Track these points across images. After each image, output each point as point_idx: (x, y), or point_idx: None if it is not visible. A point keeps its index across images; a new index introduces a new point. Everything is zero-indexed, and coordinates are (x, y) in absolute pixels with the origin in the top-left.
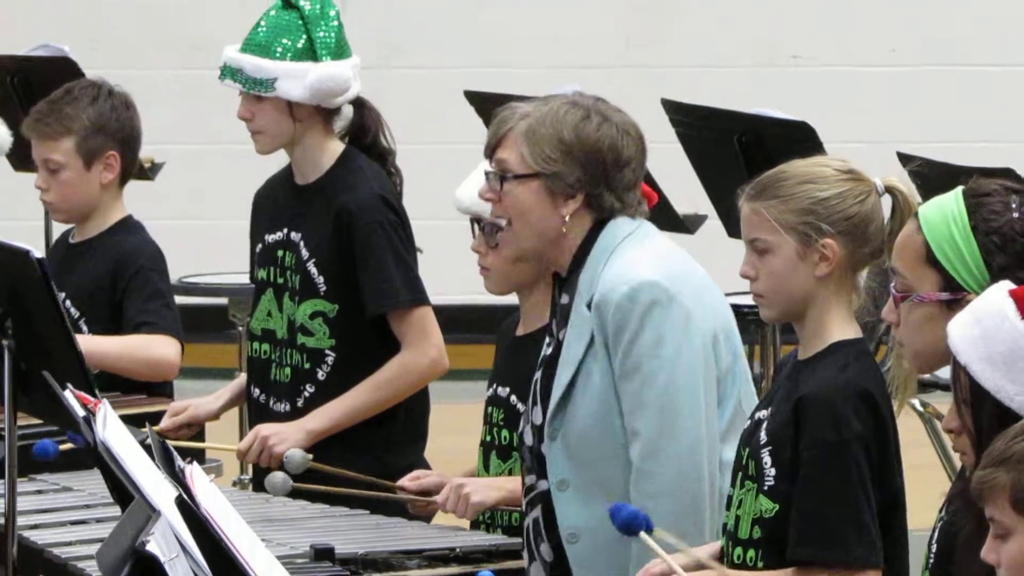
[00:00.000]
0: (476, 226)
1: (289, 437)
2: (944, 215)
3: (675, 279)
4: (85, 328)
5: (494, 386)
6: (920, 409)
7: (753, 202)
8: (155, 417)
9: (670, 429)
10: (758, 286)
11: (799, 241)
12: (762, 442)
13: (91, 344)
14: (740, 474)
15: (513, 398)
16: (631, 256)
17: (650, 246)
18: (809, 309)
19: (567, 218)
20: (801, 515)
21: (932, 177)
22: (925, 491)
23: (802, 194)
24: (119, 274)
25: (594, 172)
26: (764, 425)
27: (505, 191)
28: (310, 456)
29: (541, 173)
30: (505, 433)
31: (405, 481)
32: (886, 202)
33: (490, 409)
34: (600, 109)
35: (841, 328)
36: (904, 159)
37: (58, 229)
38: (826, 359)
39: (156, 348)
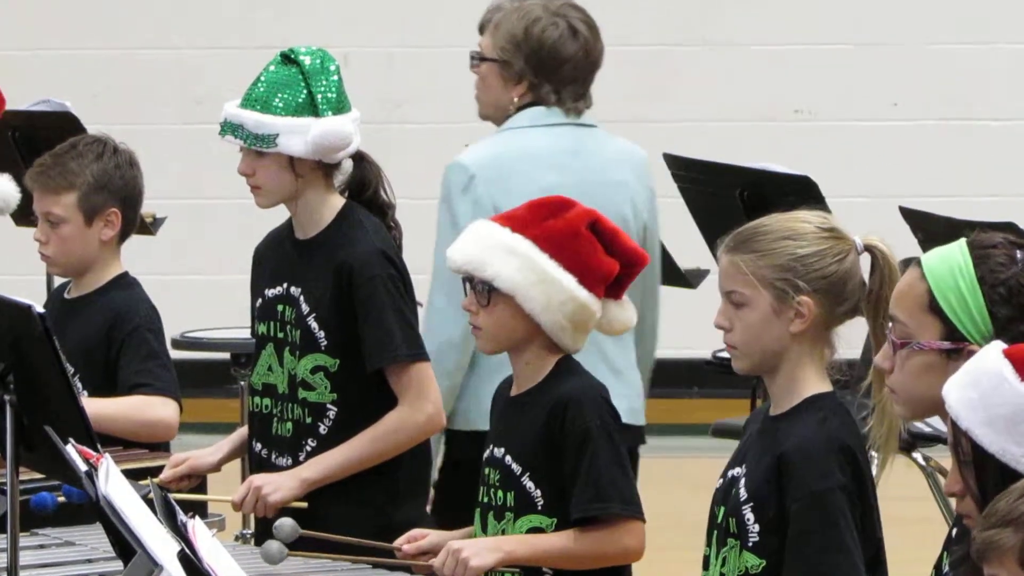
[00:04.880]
0: (467, 285)
1: (283, 486)
2: (949, 265)
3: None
4: (79, 385)
5: (491, 447)
6: (923, 464)
7: (732, 254)
8: (156, 472)
9: None
10: (732, 338)
11: (775, 297)
12: (742, 499)
13: (88, 407)
14: (717, 532)
15: (508, 459)
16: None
17: (504, 134)
18: (782, 364)
19: (515, 99)
20: (796, 566)
21: (934, 231)
22: (924, 544)
23: (781, 250)
24: (113, 332)
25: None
26: (742, 483)
27: (480, 71)
28: (299, 530)
29: (496, 60)
30: (500, 494)
31: (402, 542)
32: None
33: (487, 470)
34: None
35: (814, 383)
36: (906, 213)
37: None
38: (803, 414)
39: (154, 409)
